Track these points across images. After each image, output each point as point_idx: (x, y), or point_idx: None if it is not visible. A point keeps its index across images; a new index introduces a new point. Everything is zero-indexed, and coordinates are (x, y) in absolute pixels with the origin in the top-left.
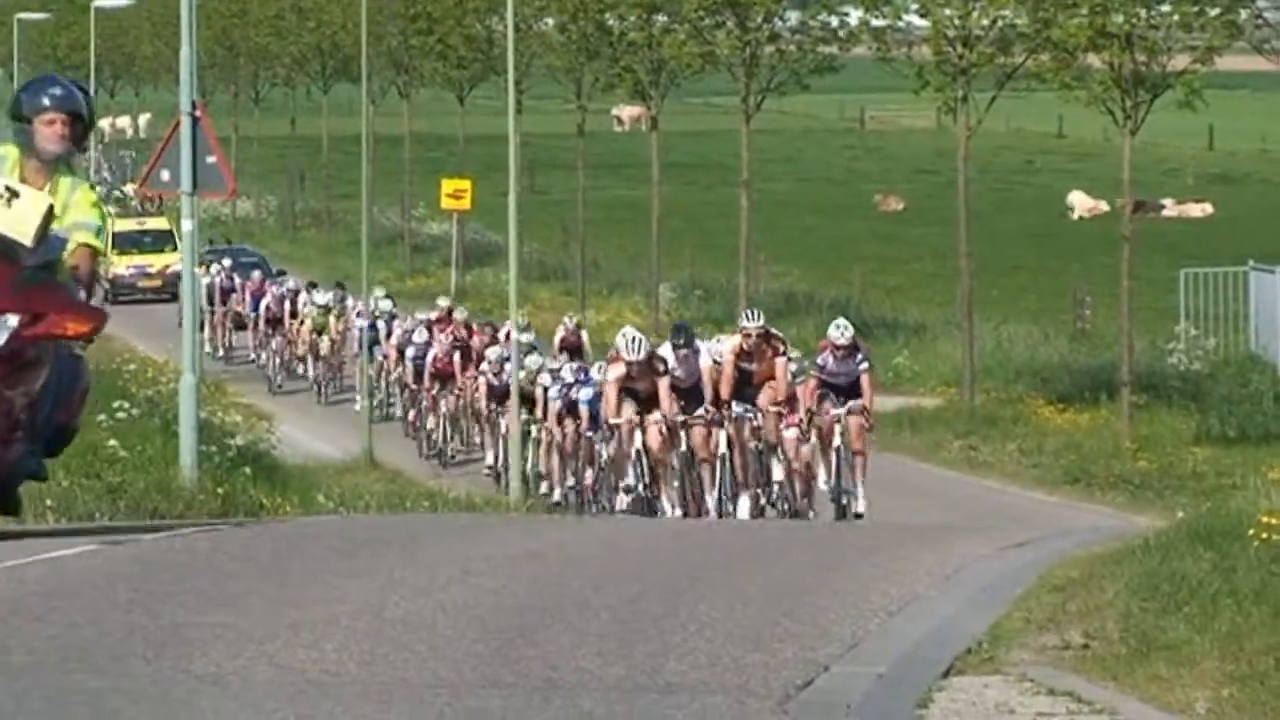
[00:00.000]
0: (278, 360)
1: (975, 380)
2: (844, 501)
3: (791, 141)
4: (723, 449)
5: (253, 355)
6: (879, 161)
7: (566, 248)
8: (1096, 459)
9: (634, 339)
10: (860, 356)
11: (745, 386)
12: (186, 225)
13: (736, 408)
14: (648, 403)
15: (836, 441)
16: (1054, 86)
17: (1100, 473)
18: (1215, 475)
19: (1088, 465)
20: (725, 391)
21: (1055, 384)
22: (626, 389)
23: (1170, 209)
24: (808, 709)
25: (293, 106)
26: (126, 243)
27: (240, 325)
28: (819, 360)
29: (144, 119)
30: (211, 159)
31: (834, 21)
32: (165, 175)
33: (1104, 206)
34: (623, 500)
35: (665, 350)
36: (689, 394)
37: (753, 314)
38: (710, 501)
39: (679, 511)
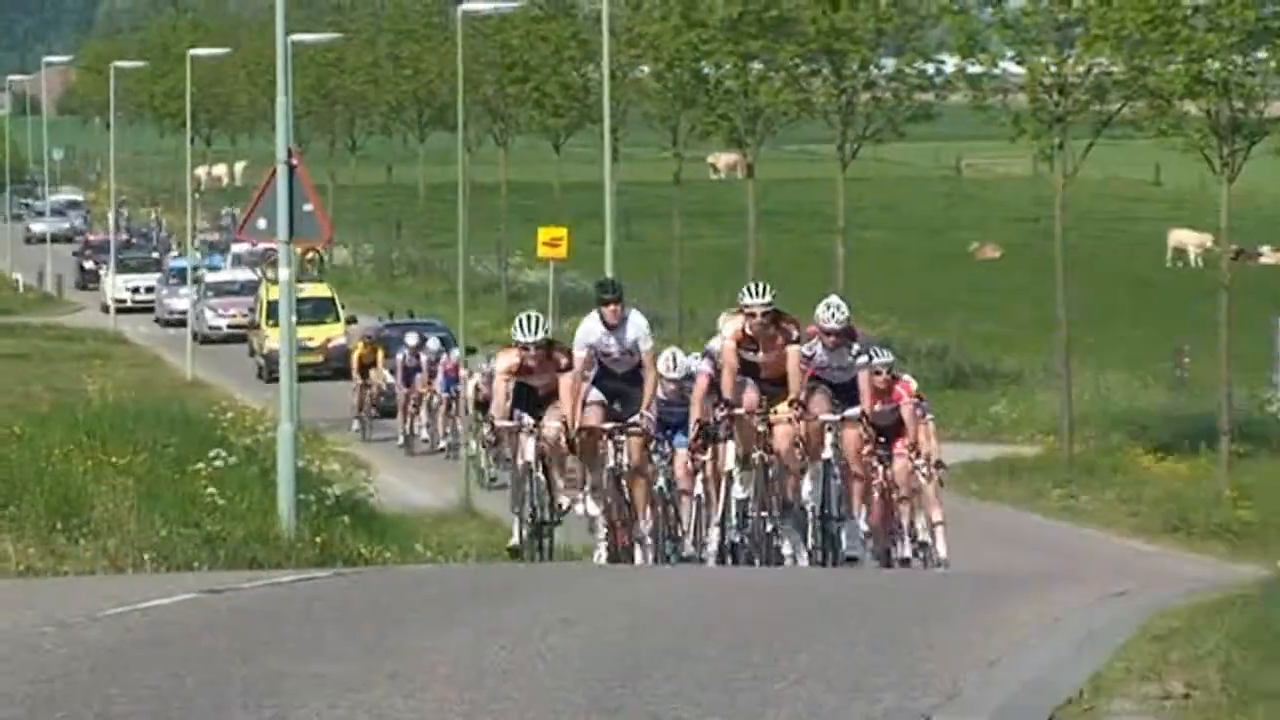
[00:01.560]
0: (487, 454)
1: (1074, 429)
2: (833, 532)
3: (887, 189)
4: (729, 464)
5: (447, 442)
6: (975, 209)
7: (662, 296)
8: (1196, 508)
9: (530, 317)
10: (857, 349)
11: (754, 382)
12: (283, 274)
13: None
14: (545, 404)
15: (827, 453)
16: (1150, 134)
17: (1200, 522)
18: None
19: (1187, 514)
20: (727, 388)
21: (1154, 432)
22: (520, 385)
23: (1268, 256)
24: None
25: (389, 154)
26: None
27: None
28: (806, 350)
29: (240, 167)
30: (308, 207)
31: (930, 69)
32: (262, 223)
33: (1209, 241)
34: (600, 552)
35: (695, 363)
36: (623, 388)
37: (759, 288)
38: (687, 542)
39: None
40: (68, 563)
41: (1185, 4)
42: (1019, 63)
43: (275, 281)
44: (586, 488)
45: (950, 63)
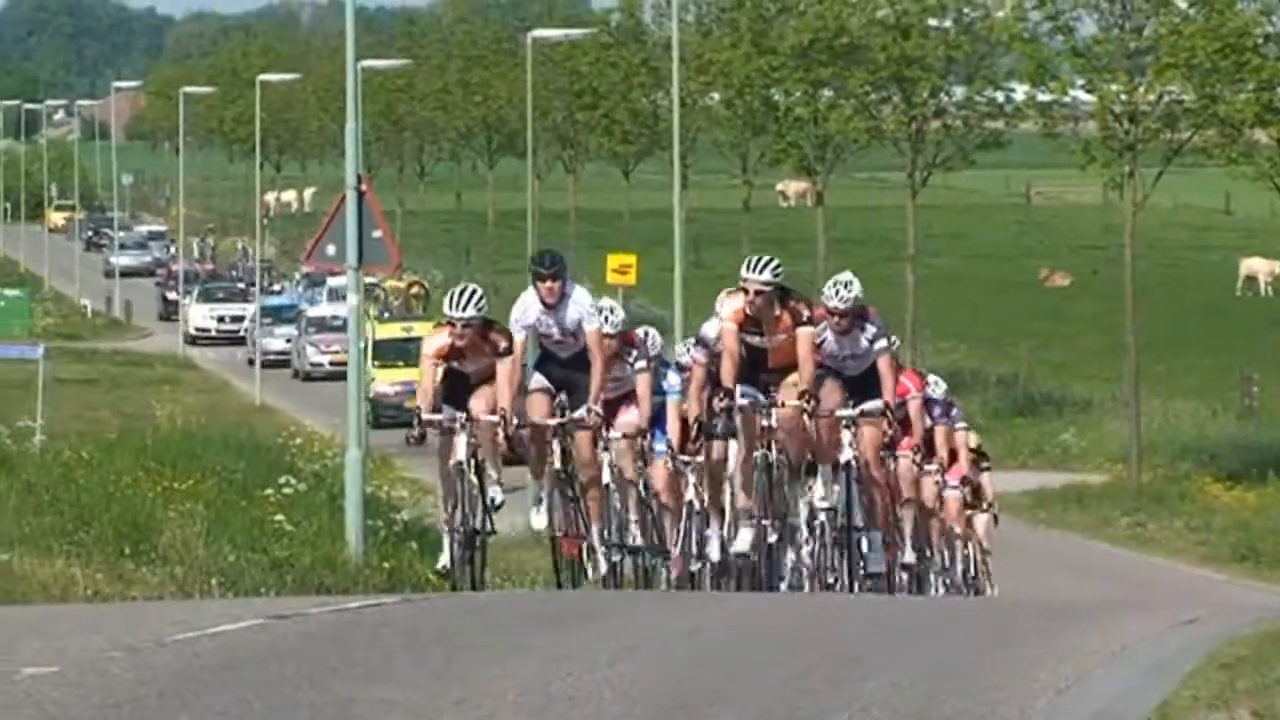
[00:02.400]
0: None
1: (1142, 457)
2: (855, 544)
3: (957, 217)
4: (732, 467)
5: None
6: (1045, 237)
7: None
8: (1265, 536)
9: (465, 291)
10: (874, 331)
11: (756, 371)
12: (351, 300)
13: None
14: (481, 389)
15: (846, 455)
16: (1221, 162)
17: (1269, 550)
18: None
19: (1256, 543)
20: (728, 376)
21: (1223, 461)
22: (451, 372)
23: None
24: None
25: (458, 181)
26: (390, 353)
27: None
28: (818, 338)
29: (309, 193)
30: (377, 233)
31: (1000, 97)
32: (331, 249)
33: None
34: (600, 564)
35: (685, 353)
36: (569, 375)
37: (760, 262)
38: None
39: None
40: (136, 588)
41: (1256, 33)
42: (1089, 91)
43: (382, 319)
44: (542, 496)
45: (1020, 90)
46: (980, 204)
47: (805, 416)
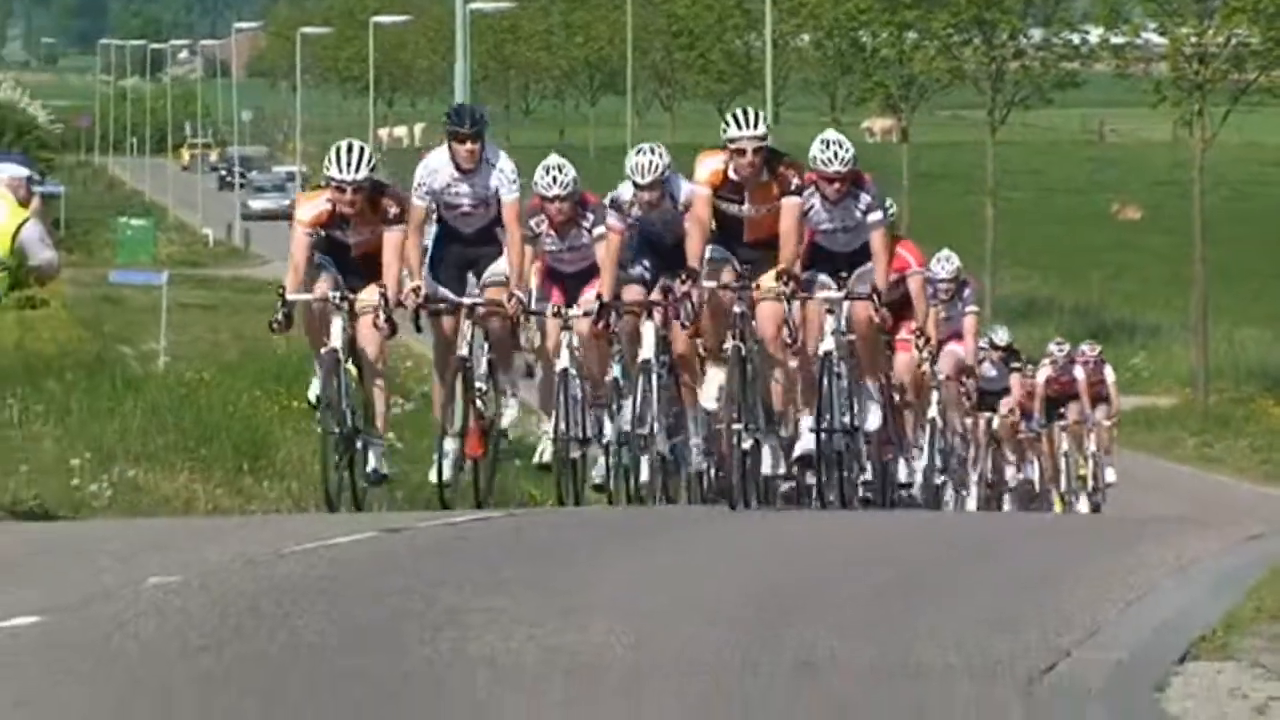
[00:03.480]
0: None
1: (1209, 381)
2: (840, 450)
3: (1034, 153)
4: (646, 352)
5: None
6: (1117, 172)
7: None
8: None
9: (351, 147)
10: (868, 200)
11: (729, 245)
12: None
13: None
14: (362, 270)
15: (827, 344)
16: None
17: None
18: None
19: None
20: (695, 246)
21: None
22: (327, 242)
23: None
24: (1052, 692)
25: (561, 118)
26: None
27: None
28: (804, 206)
29: (419, 128)
30: None
31: (1075, 39)
32: None
33: None
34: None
35: (623, 191)
36: (474, 253)
37: (749, 116)
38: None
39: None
40: (254, 502)
41: None
42: (1161, 33)
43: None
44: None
45: (1095, 33)
46: (1056, 141)
47: (784, 301)
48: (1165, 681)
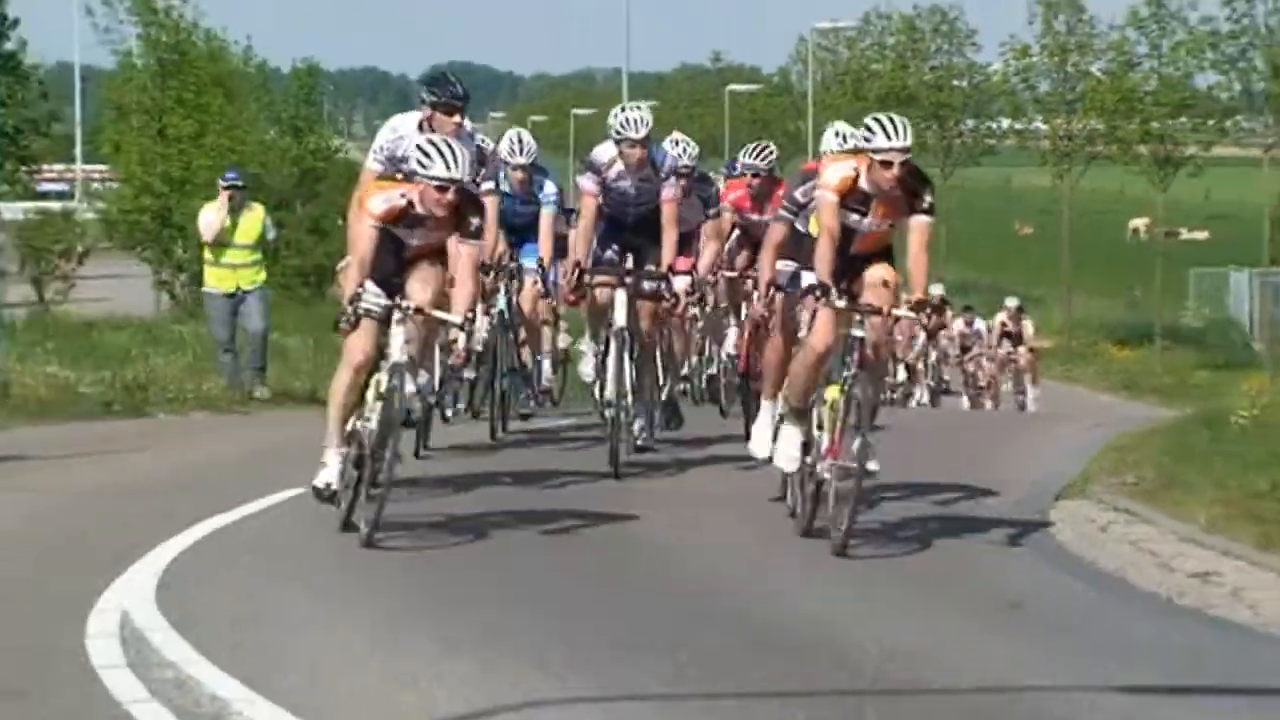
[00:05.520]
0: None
1: (1071, 331)
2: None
3: (969, 195)
4: (620, 321)
5: None
6: (1020, 205)
7: None
8: (1140, 377)
9: (449, 145)
10: (930, 199)
11: (840, 255)
12: None
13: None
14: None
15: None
16: (1119, 164)
17: (1144, 384)
18: (1210, 386)
19: (1135, 381)
20: (825, 257)
21: (1117, 332)
22: (383, 237)
23: (1186, 234)
24: (977, 518)
25: None
26: None
27: None
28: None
29: None
30: None
31: (994, 125)
32: None
33: (1146, 223)
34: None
35: (601, 152)
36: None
37: (895, 126)
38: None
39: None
40: None
41: (1139, 90)
42: (1044, 122)
43: None
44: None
45: (1005, 122)
46: (979, 189)
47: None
48: (1046, 512)
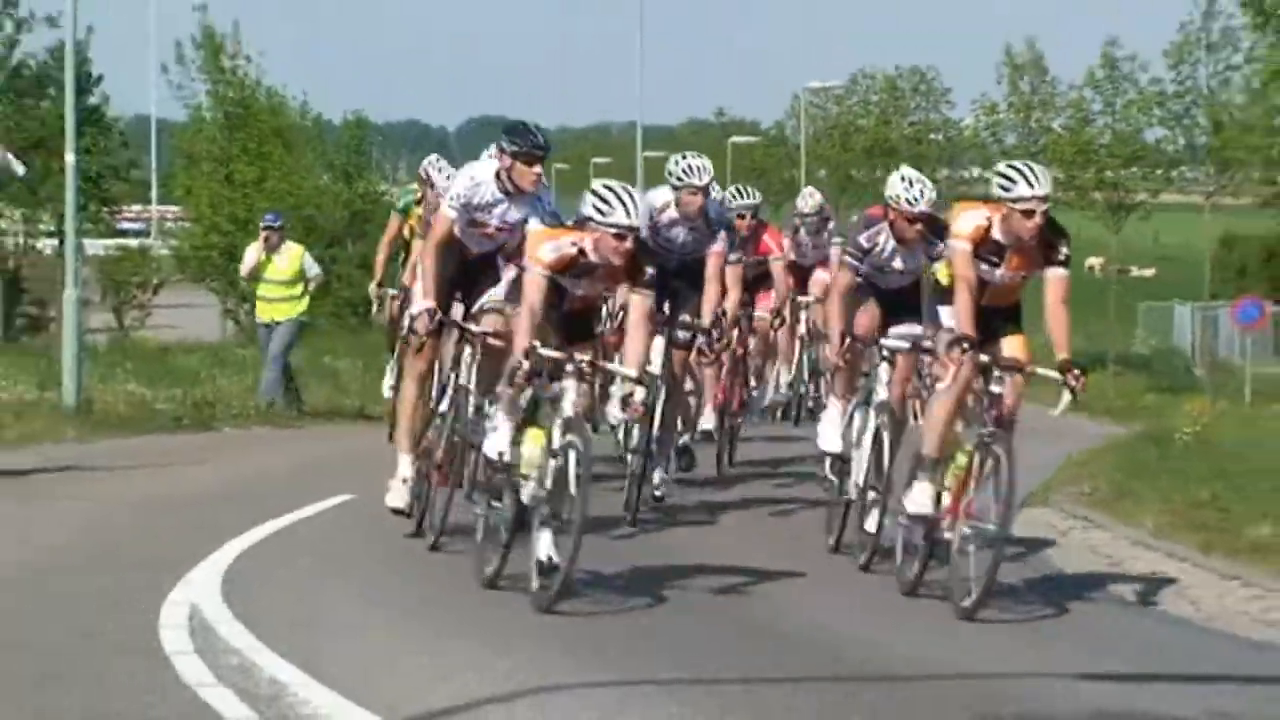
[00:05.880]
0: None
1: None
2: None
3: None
4: (655, 368)
5: None
6: None
7: None
8: (1097, 400)
9: (628, 191)
10: (940, 247)
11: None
12: None
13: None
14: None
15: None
16: (1076, 209)
17: (1099, 407)
18: (1157, 408)
19: (1092, 403)
20: (965, 310)
21: (1075, 356)
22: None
23: (1136, 270)
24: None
25: None
26: None
27: None
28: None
29: None
30: None
31: (965, 174)
32: None
33: (1101, 261)
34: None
35: (656, 196)
36: (482, 262)
37: (1036, 175)
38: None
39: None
40: None
41: (1095, 144)
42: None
43: None
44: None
45: (976, 170)
46: None
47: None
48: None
